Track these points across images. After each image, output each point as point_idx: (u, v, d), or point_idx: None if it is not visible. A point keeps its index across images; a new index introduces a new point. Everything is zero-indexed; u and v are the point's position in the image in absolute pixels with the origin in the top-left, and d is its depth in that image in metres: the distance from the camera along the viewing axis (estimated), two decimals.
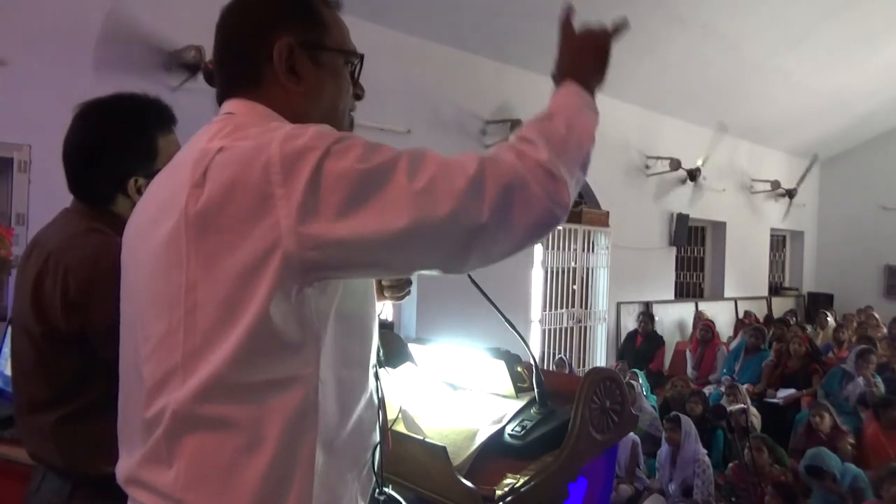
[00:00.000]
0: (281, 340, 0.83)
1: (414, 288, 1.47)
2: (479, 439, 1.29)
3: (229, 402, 0.83)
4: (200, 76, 3.97)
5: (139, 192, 1.35)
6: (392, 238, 0.81)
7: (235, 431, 0.83)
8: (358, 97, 1.07)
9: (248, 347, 0.82)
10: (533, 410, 1.33)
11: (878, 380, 5.90)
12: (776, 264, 11.46)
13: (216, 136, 0.88)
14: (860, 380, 5.74)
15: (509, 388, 1.44)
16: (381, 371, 1.05)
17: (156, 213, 0.91)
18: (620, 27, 1.18)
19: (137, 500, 0.91)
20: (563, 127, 0.99)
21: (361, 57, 1.05)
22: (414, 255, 0.86)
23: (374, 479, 1.01)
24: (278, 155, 0.80)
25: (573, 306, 7.22)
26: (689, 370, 7.33)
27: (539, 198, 0.87)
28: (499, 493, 1.13)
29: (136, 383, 0.92)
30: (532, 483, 1.14)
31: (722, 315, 9.21)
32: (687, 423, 4.67)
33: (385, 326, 1.15)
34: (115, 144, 1.37)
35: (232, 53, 1.00)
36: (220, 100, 1.01)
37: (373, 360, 1.00)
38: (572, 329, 7.21)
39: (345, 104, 1.04)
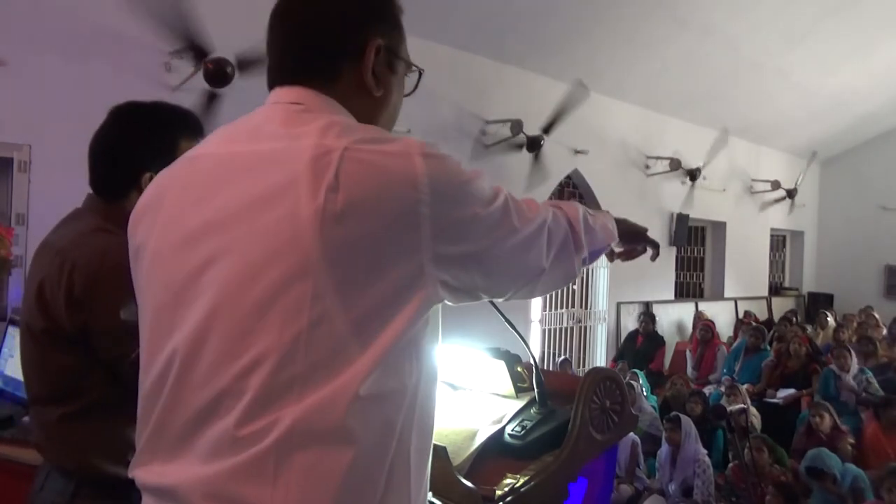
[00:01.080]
0: (405, 357, 0.84)
1: None
2: (479, 439, 1.29)
3: (350, 417, 0.78)
4: (200, 76, 3.98)
5: None
6: (500, 273, 0.94)
7: (352, 445, 0.80)
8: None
9: (382, 365, 0.80)
10: (533, 410, 1.33)
11: (868, 374, 5.91)
12: (776, 264, 11.46)
13: (324, 132, 0.82)
14: (848, 377, 5.77)
15: (509, 388, 1.44)
16: None
17: (245, 208, 0.82)
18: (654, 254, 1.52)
19: None
20: (598, 225, 1.19)
21: (421, 72, 1.06)
22: (503, 285, 0.98)
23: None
24: (426, 175, 0.80)
25: (573, 306, 7.23)
26: (689, 370, 7.33)
27: (574, 262, 1.08)
28: (499, 493, 1.13)
29: (203, 389, 0.83)
30: (532, 483, 1.14)
31: (722, 315, 9.21)
32: (687, 423, 4.67)
33: None
34: (136, 138, 1.43)
35: (312, 39, 0.94)
36: (277, 82, 0.95)
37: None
38: (572, 329, 7.22)
39: (397, 117, 1.06)
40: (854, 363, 5.98)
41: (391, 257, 0.79)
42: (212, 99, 3.97)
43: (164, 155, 1.38)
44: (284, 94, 0.93)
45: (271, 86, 0.96)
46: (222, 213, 0.84)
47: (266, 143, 0.86)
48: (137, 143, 1.42)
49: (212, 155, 0.91)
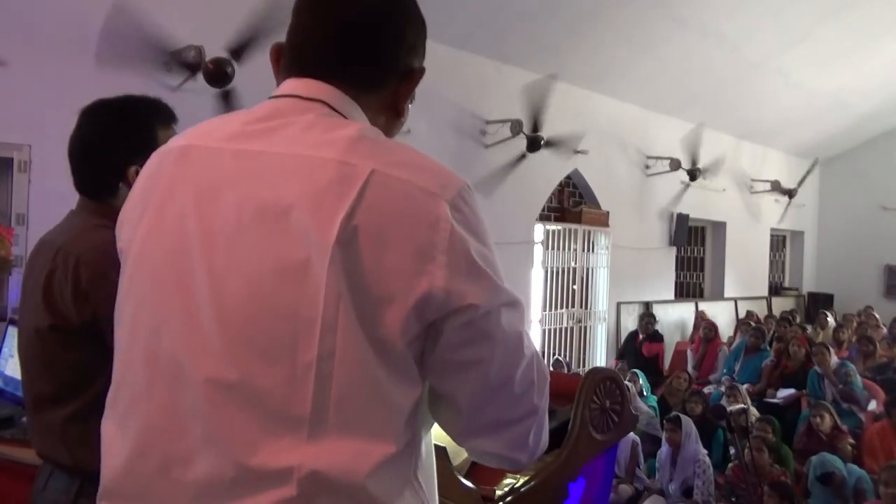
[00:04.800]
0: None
1: None
2: None
3: (370, 479, 0.73)
4: (200, 76, 3.98)
5: None
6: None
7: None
8: None
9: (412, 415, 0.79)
10: None
11: (849, 367, 5.93)
12: (776, 264, 11.46)
13: (352, 146, 0.76)
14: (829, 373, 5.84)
15: None
16: None
17: (257, 216, 0.75)
18: None
19: None
20: None
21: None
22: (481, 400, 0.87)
23: None
24: (448, 221, 0.74)
25: (573, 306, 7.22)
26: (690, 370, 7.33)
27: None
28: (499, 493, 1.13)
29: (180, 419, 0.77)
30: (532, 483, 1.15)
31: (722, 315, 9.21)
32: (687, 423, 4.67)
33: None
34: (114, 135, 1.43)
35: (374, 42, 0.86)
36: (302, 71, 0.85)
37: None
38: (572, 329, 7.21)
39: None
40: (833, 359, 6.03)
41: (401, 293, 0.73)
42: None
43: (144, 146, 1.40)
44: (307, 87, 0.84)
45: (292, 73, 0.86)
46: (225, 219, 0.77)
47: (282, 145, 0.78)
48: (116, 138, 1.42)
49: (212, 149, 0.82)
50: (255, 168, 0.78)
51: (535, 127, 6.04)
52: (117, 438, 0.82)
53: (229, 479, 0.73)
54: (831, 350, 6.21)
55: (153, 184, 0.86)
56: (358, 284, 0.72)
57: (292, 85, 0.85)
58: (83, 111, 1.45)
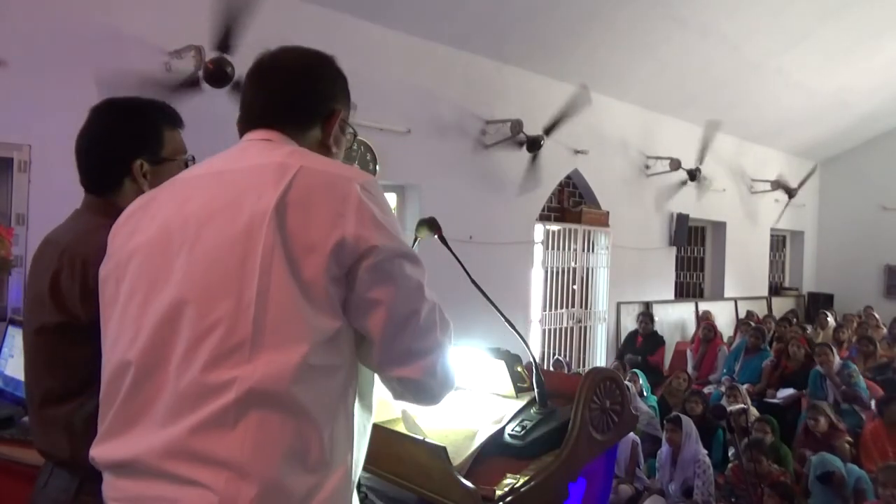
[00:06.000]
0: (345, 337, 1.02)
1: None
2: (479, 439, 1.29)
3: (295, 385, 0.94)
4: (200, 76, 3.97)
5: (145, 176, 1.45)
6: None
7: (298, 411, 0.94)
8: (349, 143, 1.32)
9: (327, 338, 0.98)
10: (533, 410, 1.33)
11: (851, 368, 5.92)
12: (776, 264, 11.46)
13: (288, 156, 1.05)
14: (832, 373, 5.82)
15: (509, 388, 1.45)
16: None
17: (221, 207, 1.02)
18: None
19: (181, 476, 0.93)
20: None
21: (356, 134, 1.36)
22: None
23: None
24: (357, 195, 1.00)
25: (573, 306, 7.22)
26: (690, 370, 7.33)
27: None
28: (499, 493, 1.13)
29: (164, 359, 0.99)
30: (532, 483, 1.15)
31: (722, 315, 9.21)
32: (688, 424, 4.66)
33: None
34: (121, 129, 1.48)
35: (297, 97, 1.18)
36: (251, 126, 1.17)
37: None
38: (572, 329, 7.21)
39: None
40: (837, 360, 6.01)
41: (321, 246, 0.97)
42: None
43: (151, 141, 1.48)
44: (259, 134, 1.15)
45: (244, 130, 1.18)
46: (198, 212, 1.04)
47: (244, 162, 1.08)
48: (122, 132, 1.47)
49: (191, 177, 1.14)
50: (221, 179, 1.07)
51: (549, 130, 6.11)
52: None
53: (194, 394, 0.94)
54: (835, 351, 6.18)
55: (156, 196, 1.15)
56: (288, 239, 0.96)
57: (248, 135, 1.16)
58: (93, 109, 1.49)
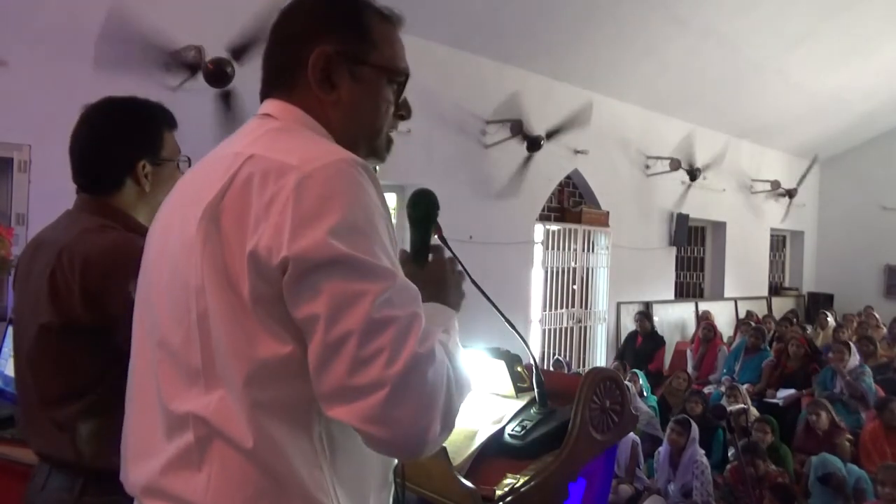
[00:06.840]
0: (299, 369, 0.83)
1: None
2: (479, 439, 1.29)
3: (251, 424, 0.82)
4: (200, 76, 3.97)
5: (147, 177, 1.43)
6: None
7: (258, 454, 0.83)
8: (402, 117, 1.06)
9: (271, 368, 0.84)
10: (533, 410, 1.33)
11: (864, 368, 5.92)
12: (776, 264, 11.46)
13: (253, 141, 0.90)
14: (845, 372, 5.81)
15: (509, 388, 1.44)
16: None
17: (181, 210, 0.91)
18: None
19: None
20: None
21: (407, 76, 1.03)
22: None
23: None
24: (288, 191, 0.81)
25: (573, 306, 7.22)
26: (690, 370, 7.33)
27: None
28: (499, 493, 1.13)
29: (152, 387, 0.92)
30: (532, 483, 1.15)
31: (722, 315, 9.20)
32: (695, 428, 4.64)
33: None
34: (126, 128, 1.44)
35: (273, 54, 1.01)
36: (261, 98, 1.02)
37: None
38: (572, 329, 7.21)
39: (382, 123, 1.02)
40: (855, 359, 6.01)
41: (242, 254, 0.83)
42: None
43: (153, 142, 1.45)
44: (263, 105, 1.00)
45: (260, 98, 1.03)
46: (170, 214, 0.95)
47: (218, 151, 0.95)
48: (128, 131, 1.44)
49: (191, 169, 1.03)
50: (194, 175, 0.97)
51: (551, 135, 6.12)
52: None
53: (166, 426, 0.87)
54: (852, 348, 6.16)
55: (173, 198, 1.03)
56: (224, 250, 0.83)
57: (261, 106, 1.01)
58: (89, 107, 1.45)
